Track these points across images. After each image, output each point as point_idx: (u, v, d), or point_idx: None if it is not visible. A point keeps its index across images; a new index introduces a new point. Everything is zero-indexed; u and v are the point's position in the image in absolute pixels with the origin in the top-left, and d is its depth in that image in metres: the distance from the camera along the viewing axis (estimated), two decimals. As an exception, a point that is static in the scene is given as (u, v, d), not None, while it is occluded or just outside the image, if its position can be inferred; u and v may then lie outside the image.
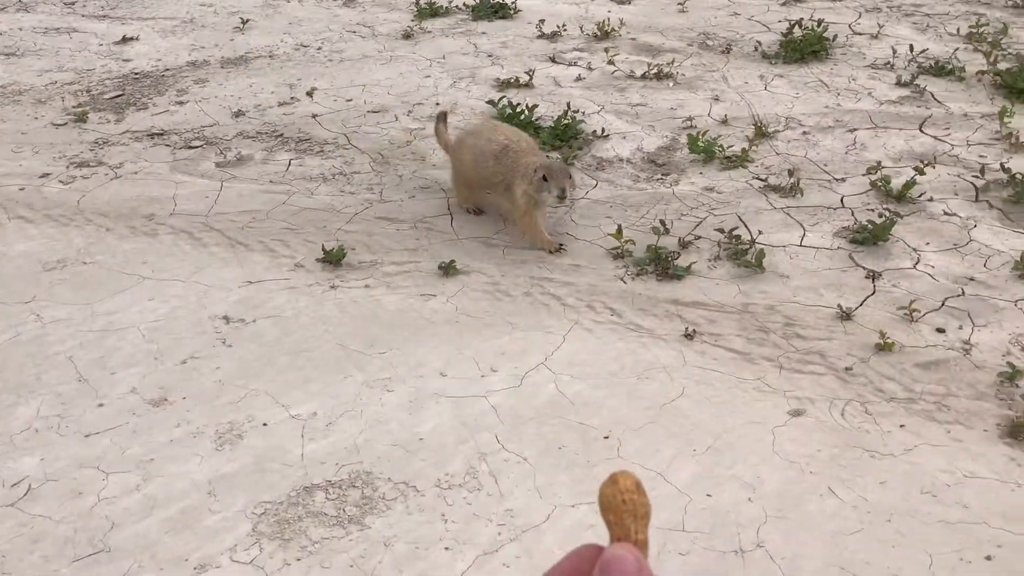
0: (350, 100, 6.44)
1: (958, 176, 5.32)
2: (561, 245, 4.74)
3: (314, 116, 6.24)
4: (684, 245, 4.73)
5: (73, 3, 8.70)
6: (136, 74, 7.08)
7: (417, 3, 8.33)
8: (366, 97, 6.48)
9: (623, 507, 0.96)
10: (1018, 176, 5.10)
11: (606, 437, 3.56)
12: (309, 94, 6.44)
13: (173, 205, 5.23)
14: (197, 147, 5.89)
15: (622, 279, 4.52)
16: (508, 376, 3.88)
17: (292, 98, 6.52)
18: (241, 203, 5.23)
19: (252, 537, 3.18)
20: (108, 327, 4.22)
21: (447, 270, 4.54)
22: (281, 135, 6.02)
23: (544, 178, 4.40)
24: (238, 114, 6.31)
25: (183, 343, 4.10)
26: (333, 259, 4.62)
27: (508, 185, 4.64)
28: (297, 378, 3.89)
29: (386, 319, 4.25)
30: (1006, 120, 5.74)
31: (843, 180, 5.34)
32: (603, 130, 5.90)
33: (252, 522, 3.24)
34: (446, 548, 3.10)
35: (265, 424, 3.66)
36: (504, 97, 6.15)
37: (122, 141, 6.00)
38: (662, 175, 5.47)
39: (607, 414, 3.67)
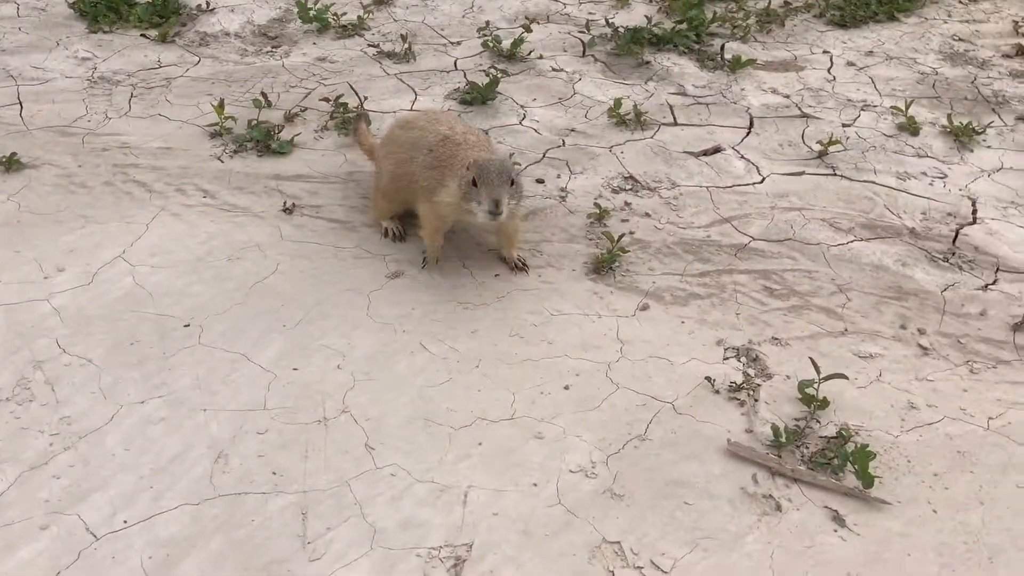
0: None
1: (568, 33, 5.40)
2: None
3: None
4: (290, 118, 4.43)
5: None
6: None
7: None
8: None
9: None
10: (620, 29, 5.25)
11: (187, 325, 3.26)
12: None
13: None
14: None
15: (219, 158, 4.16)
16: (77, 274, 3.45)
17: None
18: None
19: None
20: None
21: (9, 164, 3.94)
22: None
23: (474, 181, 3.23)
24: None
25: None
26: None
27: (435, 186, 3.44)
28: None
29: (-72, 227, 3.62)
30: (613, -23, 5.89)
31: (458, 43, 5.25)
32: (208, 3, 5.38)
33: None
34: (-17, 470, 2.71)
35: None
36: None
37: None
38: (272, 48, 5.10)
39: (190, 302, 3.37)
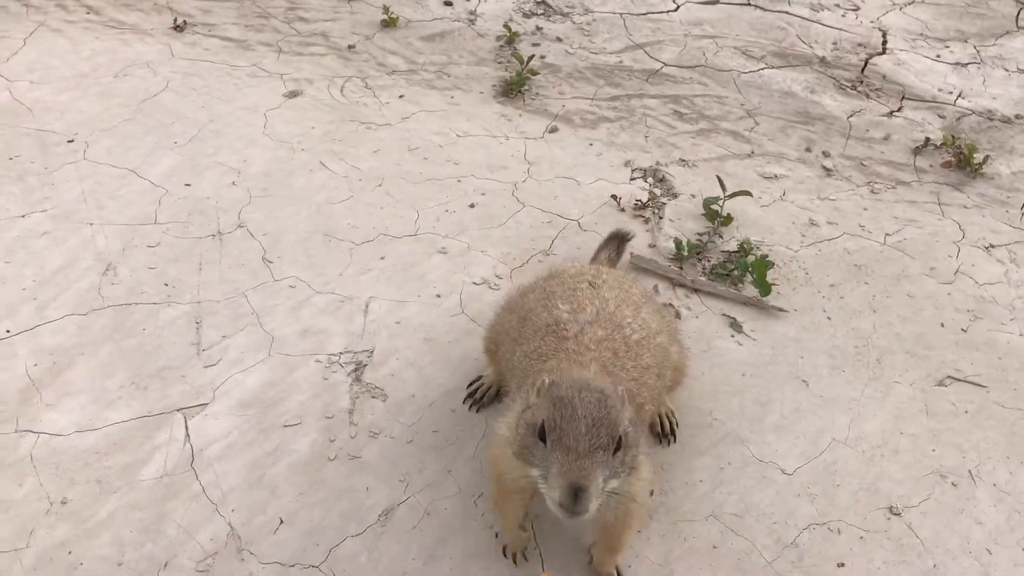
0: None
1: None
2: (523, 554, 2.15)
3: None
4: None
5: None
6: None
7: None
8: None
9: None
10: None
11: (70, 141, 3.07)
12: None
13: None
14: None
15: (103, -26, 3.86)
16: (-53, 88, 3.20)
17: None
18: None
19: None
20: None
21: None
22: None
23: (542, 428, 1.75)
24: None
25: None
26: None
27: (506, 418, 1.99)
28: None
29: None
30: None
31: None
32: None
33: None
34: None
35: None
36: None
37: None
38: None
39: (73, 117, 3.16)
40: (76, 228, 2.78)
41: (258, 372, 2.46)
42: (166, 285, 2.65)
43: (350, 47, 3.63)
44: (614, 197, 3.11)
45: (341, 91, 3.43)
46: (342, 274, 2.77)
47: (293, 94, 3.39)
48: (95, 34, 3.54)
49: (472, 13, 3.91)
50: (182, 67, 3.43)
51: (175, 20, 3.62)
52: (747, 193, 3.08)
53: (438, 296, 2.74)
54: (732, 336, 2.72)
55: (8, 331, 2.48)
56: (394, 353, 2.56)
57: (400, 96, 3.45)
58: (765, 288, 2.78)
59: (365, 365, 2.52)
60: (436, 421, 2.40)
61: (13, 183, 2.90)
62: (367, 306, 2.68)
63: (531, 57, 3.56)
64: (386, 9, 3.75)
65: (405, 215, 2.99)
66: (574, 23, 3.91)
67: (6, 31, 3.48)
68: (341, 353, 2.54)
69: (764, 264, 2.79)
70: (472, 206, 3.05)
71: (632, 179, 3.21)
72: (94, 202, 2.87)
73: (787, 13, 4.08)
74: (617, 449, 1.73)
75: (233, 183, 3.01)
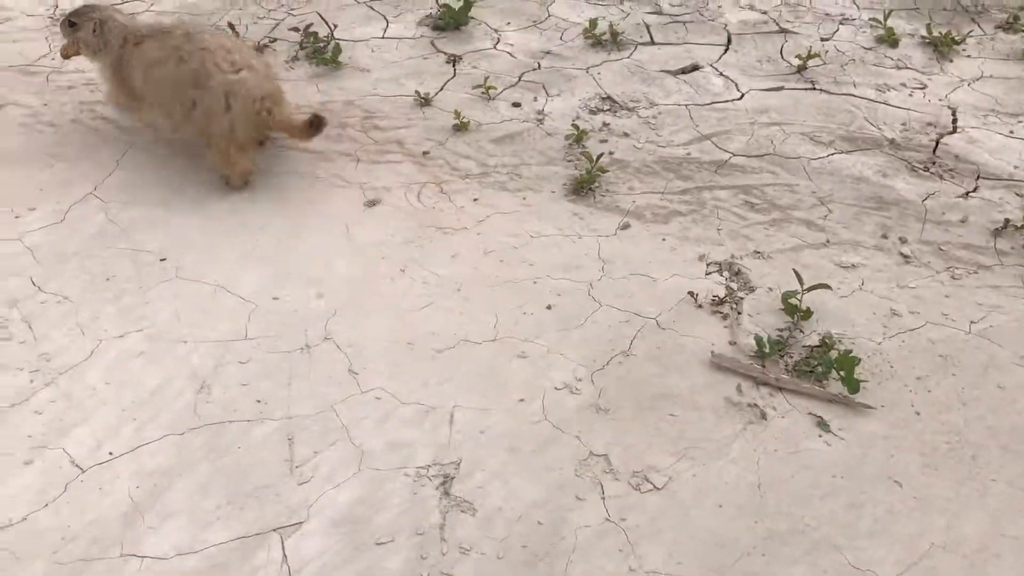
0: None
1: (541, -44, 5.27)
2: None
3: None
4: (259, 49, 4.32)
5: None
6: None
7: None
8: None
9: None
10: (594, -50, 5.13)
11: (163, 259, 3.21)
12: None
13: None
14: None
15: (188, 93, 4.06)
16: (49, 213, 3.38)
17: None
18: None
19: None
20: None
21: (-29, 106, 3.84)
22: None
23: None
24: None
25: None
26: None
27: None
28: None
29: None
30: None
31: (429, -31, 5.11)
32: (169, -64, 5.21)
33: None
34: (-37, 409, 2.68)
35: None
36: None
37: None
38: (238, -21, 4.96)
39: (165, 236, 3.31)
40: (171, 347, 2.90)
41: (349, 488, 2.51)
42: (258, 402, 2.74)
43: (425, 153, 3.75)
44: (691, 294, 3.12)
45: (418, 197, 3.54)
46: (426, 383, 2.82)
47: (372, 203, 3.50)
48: (180, 153, 3.71)
49: (540, 113, 4.00)
50: (266, 180, 3.57)
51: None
52: (826, 286, 3.06)
53: (521, 401, 2.77)
54: (820, 436, 2.69)
55: (111, 453, 2.58)
56: (480, 464, 2.59)
57: (474, 199, 3.54)
58: (853, 386, 2.75)
59: (452, 477, 2.55)
60: (525, 535, 2.41)
61: (111, 303, 3.04)
62: (452, 416, 2.72)
63: (600, 155, 3.63)
64: (457, 114, 3.87)
65: (484, 319, 3.04)
66: (640, 117, 3.98)
67: (101, 153, 3.68)
68: (429, 466, 2.58)
69: (851, 360, 2.76)
70: (549, 307, 3.10)
71: (707, 273, 3.23)
72: (187, 319, 2.99)
73: (853, 96, 4.10)
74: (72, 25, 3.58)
75: (318, 295, 3.10)
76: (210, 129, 3.38)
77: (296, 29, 4.39)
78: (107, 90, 3.75)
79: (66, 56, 3.73)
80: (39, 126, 3.83)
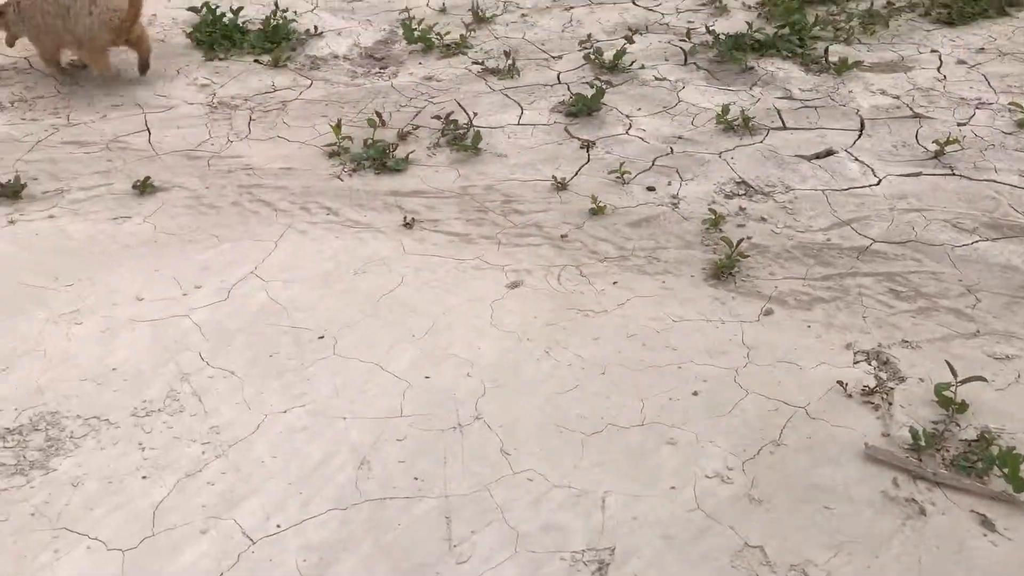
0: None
1: (668, 43, 5.42)
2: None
3: (-12, 41, 5.51)
4: (403, 136, 4.55)
5: None
6: None
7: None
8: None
9: None
10: (721, 36, 5.25)
11: (321, 337, 3.37)
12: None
13: None
14: None
15: (339, 177, 4.30)
16: (214, 291, 3.60)
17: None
18: (-101, 144, 4.54)
19: (-85, 505, 2.78)
20: None
21: (143, 188, 4.14)
22: (-52, 66, 5.27)
23: None
24: None
25: None
26: (10, 192, 4.11)
27: None
28: (-31, 325, 3.44)
29: (74, 249, 3.82)
30: (710, -15, 5.89)
31: (560, 57, 5.31)
32: (316, 28, 5.56)
33: (-82, 489, 2.83)
34: (143, 477, 2.84)
35: (-69, 380, 3.21)
36: (207, 2, 5.65)
37: None
38: (380, 69, 5.24)
39: (322, 314, 3.48)
40: (331, 422, 3.03)
41: (507, 570, 2.55)
42: (416, 479, 2.82)
43: (563, 236, 3.86)
44: (840, 383, 3.10)
45: (558, 280, 3.63)
46: (576, 466, 2.86)
47: (515, 284, 3.61)
48: (335, 233, 3.91)
49: (675, 197, 4.08)
50: (414, 262, 3.73)
51: (404, 218, 3.96)
52: (981, 379, 3.00)
53: (672, 489, 2.78)
54: (985, 535, 2.62)
55: (279, 526, 2.69)
56: (634, 552, 2.60)
57: (614, 283, 3.61)
58: (1018, 484, 2.68)
59: (608, 564, 2.57)
60: (686, 626, 2.40)
61: (274, 379, 3.20)
62: (603, 500, 2.75)
63: (740, 240, 3.66)
64: (594, 198, 3.98)
65: (630, 404, 3.08)
66: (776, 202, 4.01)
67: (260, 234, 3.91)
68: (584, 551, 2.61)
69: (1016, 458, 2.69)
70: (695, 393, 3.12)
71: (855, 363, 3.20)
72: (346, 396, 3.12)
73: (995, 181, 4.05)
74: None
75: (468, 374, 3.20)
76: (78, 32, 4.72)
77: (438, 117, 4.60)
78: (38, 50, 5.02)
79: (11, 44, 5.12)
80: (202, 207, 4.09)
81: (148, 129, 4.65)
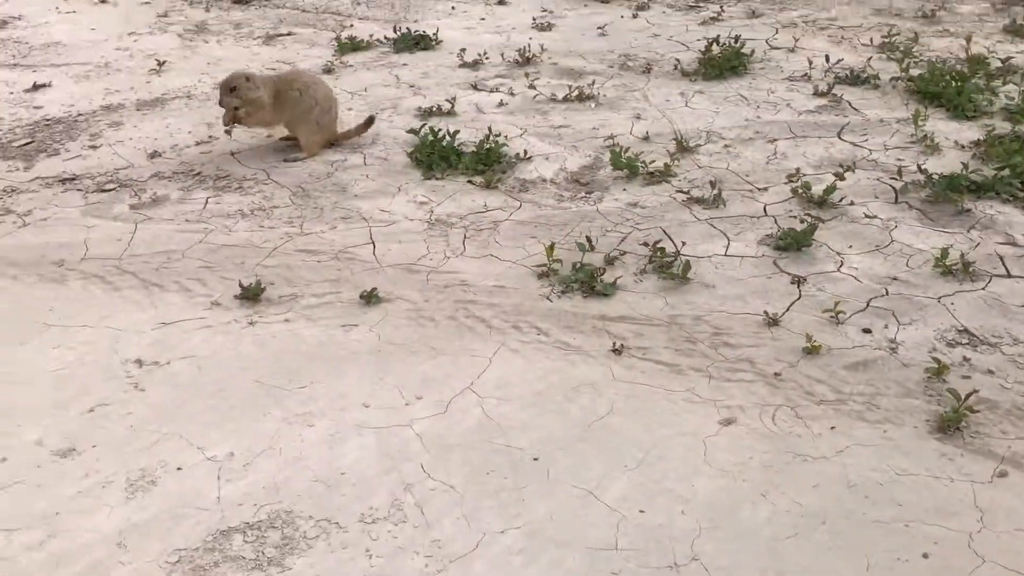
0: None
1: (877, 180, 5.37)
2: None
3: (233, 154, 6.10)
4: (610, 261, 4.68)
5: (-18, 52, 8.46)
6: (48, 120, 6.86)
7: (338, 39, 8.26)
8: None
9: None
10: (934, 176, 5.16)
11: (535, 459, 3.45)
12: (227, 131, 6.27)
13: (84, 250, 5.02)
14: (110, 190, 5.69)
15: (548, 298, 4.44)
16: (433, 403, 3.76)
17: (210, 137, 6.37)
18: (156, 244, 5.05)
19: (164, 588, 3.00)
20: (9, 378, 4.00)
21: (369, 299, 4.42)
22: (199, 174, 5.86)
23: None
24: (154, 155, 6.13)
25: (91, 390, 3.90)
26: (251, 295, 4.47)
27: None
28: (213, 419, 3.72)
29: (306, 352, 4.10)
30: (920, 123, 5.83)
31: (765, 189, 5.35)
32: (526, 152, 5.85)
33: (165, 572, 3.05)
34: (370, 584, 2.96)
35: (179, 468, 3.48)
36: (426, 125, 6.07)
37: (31, 188, 5.78)
38: (586, 193, 5.44)
39: (535, 435, 3.57)
40: (545, 547, 3.06)
41: None
42: (633, 617, 2.81)
43: (776, 374, 3.82)
44: (1090, 561, 2.88)
45: (772, 419, 3.59)
46: (799, 621, 2.77)
47: (727, 421, 3.59)
48: (545, 354, 4.03)
49: (892, 341, 3.98)
50: (623, 389, 3.78)
51: (613, 344, 4.03)
52: None
53: (904, 659, 2.64)
54: None
55: (499, 649, 2.73)
56: None
57: (832, 427, 3.53)
58: None
59: None
60: None
61: (491, 497, 3.28)
62: (831, 662, 2.64)
63: (969, 395, 3.52)
64: (808, 337, 3.94)
65: (855, 560, 2.97)
66: (1004, 354, 3.84)
67: (475, 350, 4.07)
68: None
69: None
70: (925, 556, 2.98)
71: (1105, 539, 2.98)
72: (560, 521, 3.16)
73: None
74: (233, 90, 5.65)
75: (682, 512, 3.18)
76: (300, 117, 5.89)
77: (645, 244, 4.71)
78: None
79: (228, 124, 5.93)
80: (422, 319, 4.32)
81: (372, 242, 4.98)
